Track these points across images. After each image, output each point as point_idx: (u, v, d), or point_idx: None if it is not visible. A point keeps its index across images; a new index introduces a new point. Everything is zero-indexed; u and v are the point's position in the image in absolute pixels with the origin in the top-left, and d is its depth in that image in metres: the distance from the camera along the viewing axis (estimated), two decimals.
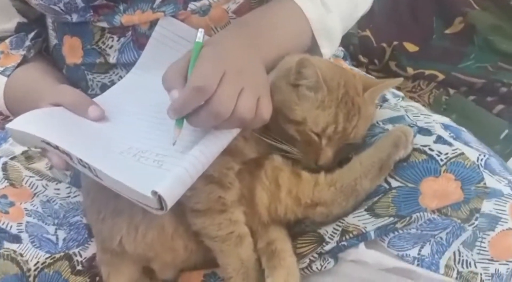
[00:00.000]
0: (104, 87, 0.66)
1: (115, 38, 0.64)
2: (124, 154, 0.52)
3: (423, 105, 0.98)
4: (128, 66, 0.64)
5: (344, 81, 0.56)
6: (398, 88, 1.02)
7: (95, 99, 0.60)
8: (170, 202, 0.47)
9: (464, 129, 0.60)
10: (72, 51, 0.67)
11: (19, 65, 0.70)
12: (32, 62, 0.71)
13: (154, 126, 0.55)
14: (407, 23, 1.03)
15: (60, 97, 0.58)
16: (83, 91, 0.66)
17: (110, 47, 0.64)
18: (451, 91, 0.96)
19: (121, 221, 0.56)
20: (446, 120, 0.60)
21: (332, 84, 0.55)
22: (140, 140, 0.54)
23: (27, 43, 0.71)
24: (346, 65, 0.77)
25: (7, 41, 0.71)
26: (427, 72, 0.98)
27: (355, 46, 1.03)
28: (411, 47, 1.01)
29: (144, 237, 0.55)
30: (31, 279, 0.57)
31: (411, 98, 1.00)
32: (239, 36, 0.57)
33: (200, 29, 0.54)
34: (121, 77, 0.65)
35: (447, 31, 1.01)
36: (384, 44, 1.02)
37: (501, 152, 0.85)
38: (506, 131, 0.88)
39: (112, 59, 0.64)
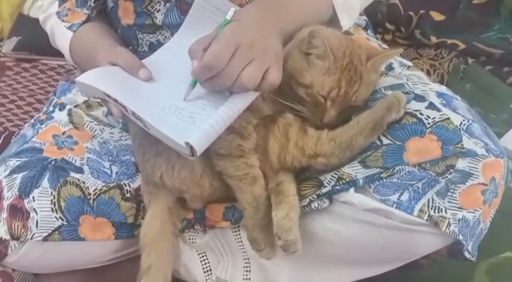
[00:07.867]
0: (151, 46, 0.75)
1: (162, 3, 0.72)
2: (166, 110, 0.62)
3: (443, 73, 1.03)
4: (172, 27, 0.73)
5: (349, 51, 0.63)
6: (421, 55, 1.06)
7: (144, 61, 0.69)
8: (199, 151, 0.58)
9: (458, 97, 0.65)
10: (126, 13, 0.75)
11: (83, 23, 0.77)
12: (94, 21, 0.78)
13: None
14: None
15: (117, 58, 0.68)
16: (134, 49, 0.76)
17: (158, 11, 0.73)
18: (470, 60, 0.97)
19: (161, 161, 0.66)
20: (443, 89, 0.66)
21: (338, 54, 0.62)
22: (179, 99, 0.64)
23: (90, 3, 0.78)
24: (364, 34, 0.82)
25: None
26: (449, 41, 1.00)
27: (382, 14, 1.06)
28: (437, 16, 1.03)
29: (178, 174, 0.65)
30: (91, 201, 0.69)
31: (432, 66, 1.04)
32: (258, 11, 0.64)
33: (232, 8, 0.63)
34: (166, 37, 0.74)
35: (474, 1, 1.02)
36: (411, 13, 1.04)
37: (509, 119, 0.88)
38: None
39: (158, 21, 0.73)
